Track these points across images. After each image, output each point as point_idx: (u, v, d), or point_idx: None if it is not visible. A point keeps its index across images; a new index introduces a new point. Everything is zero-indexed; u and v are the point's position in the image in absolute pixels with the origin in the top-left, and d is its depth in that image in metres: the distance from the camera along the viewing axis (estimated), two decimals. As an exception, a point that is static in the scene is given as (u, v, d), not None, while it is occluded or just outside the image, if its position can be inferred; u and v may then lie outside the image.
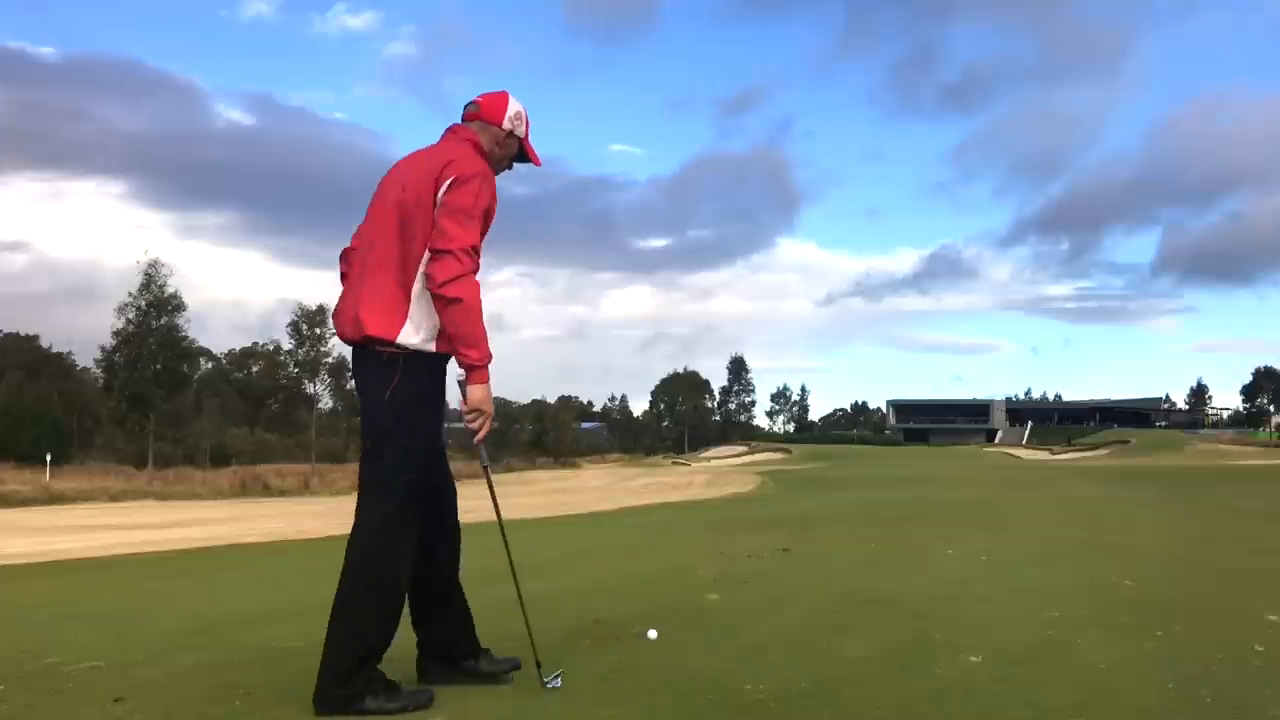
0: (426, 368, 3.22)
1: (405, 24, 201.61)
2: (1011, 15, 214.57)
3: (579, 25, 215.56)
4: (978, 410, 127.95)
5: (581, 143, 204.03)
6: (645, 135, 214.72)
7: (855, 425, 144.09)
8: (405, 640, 3.35)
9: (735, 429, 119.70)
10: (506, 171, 3.56)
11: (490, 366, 3.20)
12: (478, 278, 3.15)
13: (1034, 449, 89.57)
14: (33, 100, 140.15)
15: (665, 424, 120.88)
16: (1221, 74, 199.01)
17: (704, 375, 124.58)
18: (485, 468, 3.42)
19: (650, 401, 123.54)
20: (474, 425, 3.23)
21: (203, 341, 61.17)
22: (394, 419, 3.19)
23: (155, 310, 53.94)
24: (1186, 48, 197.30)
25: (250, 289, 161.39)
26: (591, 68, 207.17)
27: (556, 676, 3.41)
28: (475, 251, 3.14)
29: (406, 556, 3.22)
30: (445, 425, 3.42)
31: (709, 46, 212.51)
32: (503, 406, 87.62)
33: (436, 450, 3.33)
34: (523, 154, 3.54)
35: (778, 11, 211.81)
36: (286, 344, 67.71)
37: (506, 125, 3.45)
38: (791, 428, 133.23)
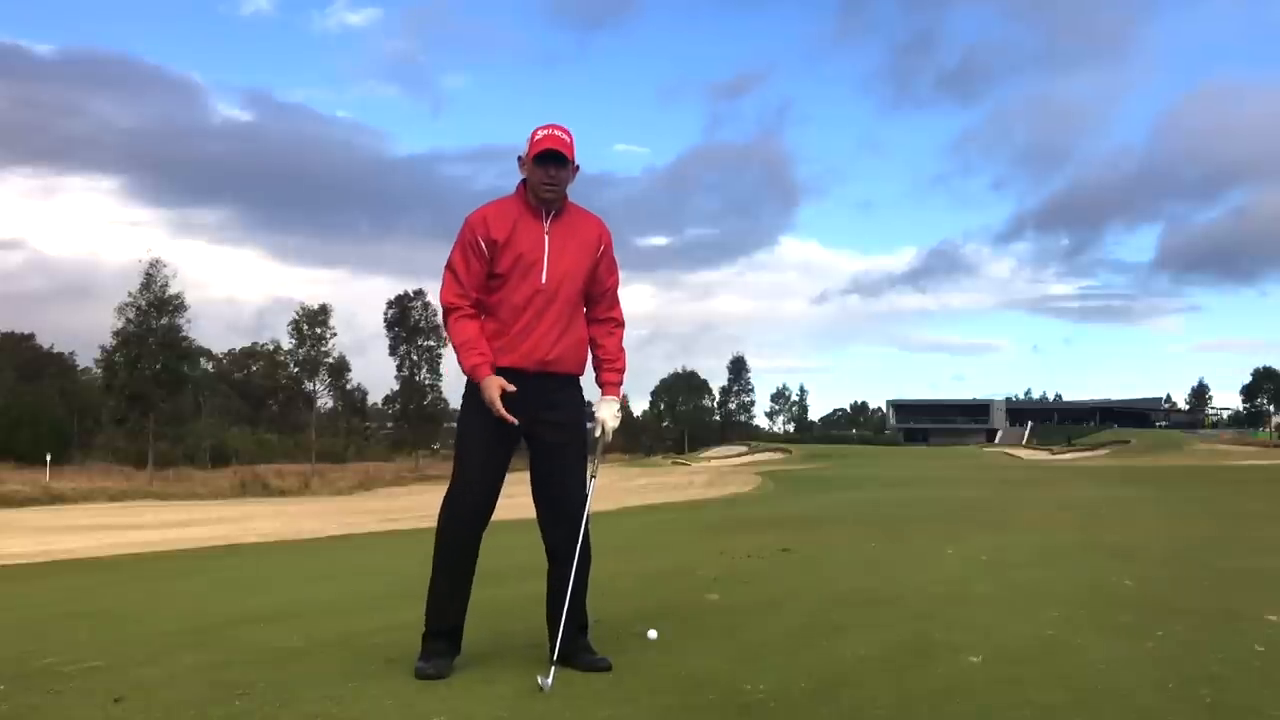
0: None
1: (404, 21, 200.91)
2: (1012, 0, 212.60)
3: (568, 15, 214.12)
4: (978, 410, 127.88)
5: (584, 141, 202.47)
6: (644, 131, 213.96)
7: (855, 425, 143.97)
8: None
9: (735, 429, 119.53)
10: (571, 183, 3.78)
11: (478, 372, 3.68)
12: (456, 316, 3.71)
13: (1034, 449, 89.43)
14: (27, 95, 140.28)
15: (665, 424, 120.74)
16: (1227, 64, 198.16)
17: (703, 375, 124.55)
18: None
19: (650, 401, 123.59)
20: None
21: (198, 339, 60.79)
22: None
23: (156, 310, 53.89)
24: (1193, 36, 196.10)
25: (246, 287, 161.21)
26: (578, 57, 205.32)
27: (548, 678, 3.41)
28: (446, 304, 3.73)
29: None
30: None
31: (697, 32, 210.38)
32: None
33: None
34: (543, 160, 3.68)
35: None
36: (286, 343, 67.72)
37: (522, 153, 3.74)
38: (791, 428, 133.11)
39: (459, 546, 3.75)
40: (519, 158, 3.73)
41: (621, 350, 3.91)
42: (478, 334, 3.69)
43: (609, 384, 3.84)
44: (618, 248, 3.91)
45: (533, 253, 3.67)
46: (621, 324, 3.94)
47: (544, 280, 3.67)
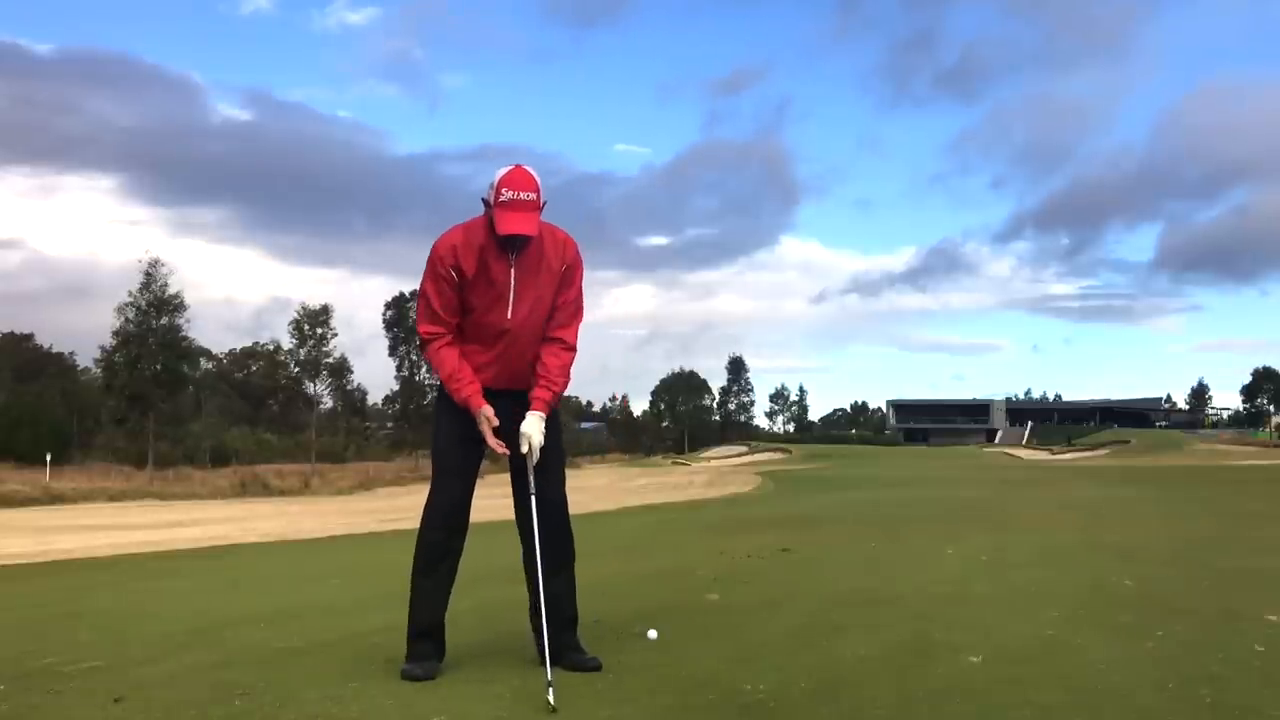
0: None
1: (404, 20, 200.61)
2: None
3: (564, 13, 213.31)
4: (978, 410, 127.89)
5: (583, 140, 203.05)
6: (643, 129, 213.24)
7: (855, 425, 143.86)
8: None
9: (735, 429, 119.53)
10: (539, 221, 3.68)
11: (471, 403, 3.71)
12: (436, 346, 3.74)
13: (1034, 449, 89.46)
14: (26, 94, 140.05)
15: (665, 424, 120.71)
16: (1228, 63, 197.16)
17: (703, 375, 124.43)
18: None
19: (650, 401, 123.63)
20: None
21: (198, 339, 60.60)
22: None
23: (155, 310, 53.84)
24: (1193, 35, 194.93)
25: (245, 286, 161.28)
26: (575, 55, 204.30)
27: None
28: (423, 335, 3.77)
29: None
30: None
31: (695, 28, 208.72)
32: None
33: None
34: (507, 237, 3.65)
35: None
36: (287, 343, 67.67)
37: (487, 196, 3.64)
38: (791, 428, 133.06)
39: (438, 547, 3.79)
40: (484, 200, 3.61)
41: (564, 374, 3.80)
42: (460, 362, 3.72)
43: (537, 399, 3.74)
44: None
45: (499, 289, 3.68)
46: (571, 348, 3.83)
47: (509, 317, 3.70)
